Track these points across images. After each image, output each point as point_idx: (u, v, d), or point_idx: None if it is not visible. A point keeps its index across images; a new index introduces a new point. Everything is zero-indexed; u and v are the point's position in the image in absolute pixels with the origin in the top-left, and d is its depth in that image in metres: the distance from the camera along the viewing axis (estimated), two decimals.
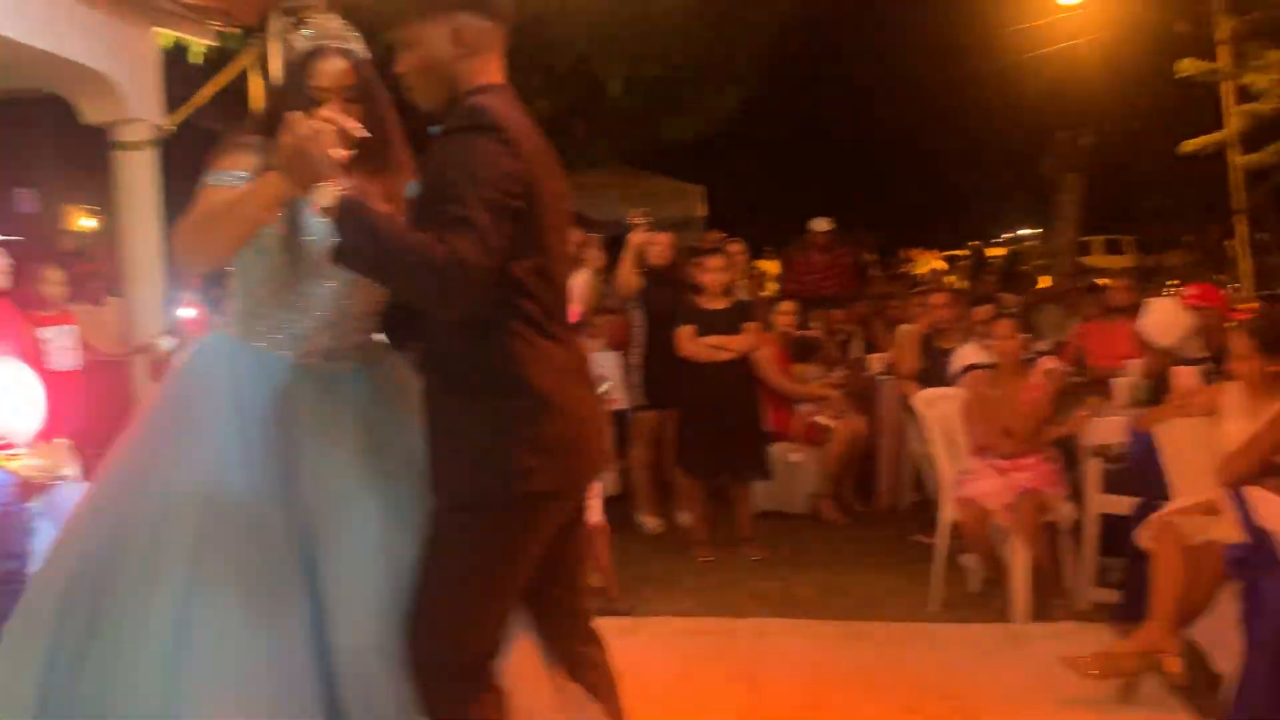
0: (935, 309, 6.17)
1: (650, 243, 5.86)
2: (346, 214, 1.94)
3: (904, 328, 6.64)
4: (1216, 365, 4.48)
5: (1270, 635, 2.91)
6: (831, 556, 5.54)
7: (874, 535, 5.94)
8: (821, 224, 8.39)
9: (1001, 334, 4.70)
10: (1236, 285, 15.96)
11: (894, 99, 21.98)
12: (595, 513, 4.41)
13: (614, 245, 6.40)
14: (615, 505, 5.96)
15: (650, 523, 5.84)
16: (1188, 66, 15.25)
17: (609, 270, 6.24)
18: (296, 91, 2.24)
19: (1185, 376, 4.05)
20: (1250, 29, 14.79)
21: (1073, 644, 3.80)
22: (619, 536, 5.78)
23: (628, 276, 5.87)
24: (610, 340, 6.04)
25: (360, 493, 2.15)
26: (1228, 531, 3.41)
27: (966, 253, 18.17)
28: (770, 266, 14.28)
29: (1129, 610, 3.99)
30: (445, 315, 2.02)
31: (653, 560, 5.33)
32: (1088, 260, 21.73)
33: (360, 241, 1.94)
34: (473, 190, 1.92)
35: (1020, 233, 29.83)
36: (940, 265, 18.21)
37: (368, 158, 2.25)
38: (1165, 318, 4.75)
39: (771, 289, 10.98)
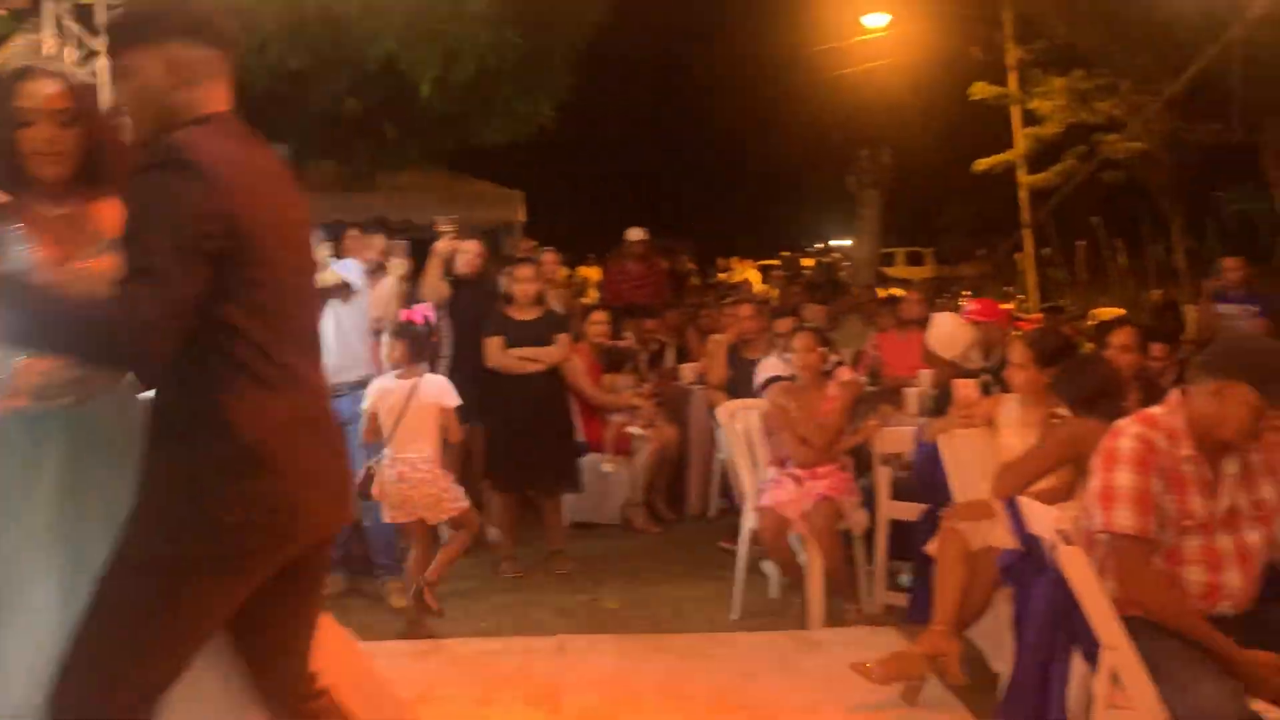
0: (741, 320, 6.29)
1: (457, 250, 5.73)
2: (2, 292, 1.82)
3: (715, 338, 6.75)
4: (996, 377, 4.73)
5: (1036, 638, 3.07)
6: (640, 567, 5.56)
7: (683, 543, 6.01)
8: (636, 233, 8.45)
9: (800, 347, 4.81)
10: (1023, 296, 17.12)
11: (716, 110, 22.52)
12: (461, 505, 4.49)
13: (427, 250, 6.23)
14: None
15: None
16: (980, 90, 16.30)
17: (416, 277, 6.07)
18: (2, 113, 2.12)
19: (964, 388, 4.25)
20: (1034, 58, 15.94)
21: (865, 648, 3.92)
22: None
23: (434, 285, 5.72)
24: None
25: (50, 548, 2.00)
26: (1004, 538, 3.59)
27: (779, 262, 18.75)
28: (593, 273, 14.33)
29: (917, 612, 4.15)
30: (138, 373, 1.91)
31: (458, 577, 5.20)
32: (891, 271, 22.84)
33: (23, 319, 1.81)
34: (158, 234, 1.79)
35: (833, 243, 31.12)
36: (755, 275, 18.68)
37: (86, 183, 2.14)
38: (948, 331, 4.99)
39: (594, 296, 11.00)
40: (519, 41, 8.41)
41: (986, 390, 4.54)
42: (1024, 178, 16.90)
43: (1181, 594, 2.78)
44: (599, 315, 6.53)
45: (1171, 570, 2.81)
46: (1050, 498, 3.62)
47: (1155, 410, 2.94)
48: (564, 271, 15.51)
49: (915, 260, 25.58)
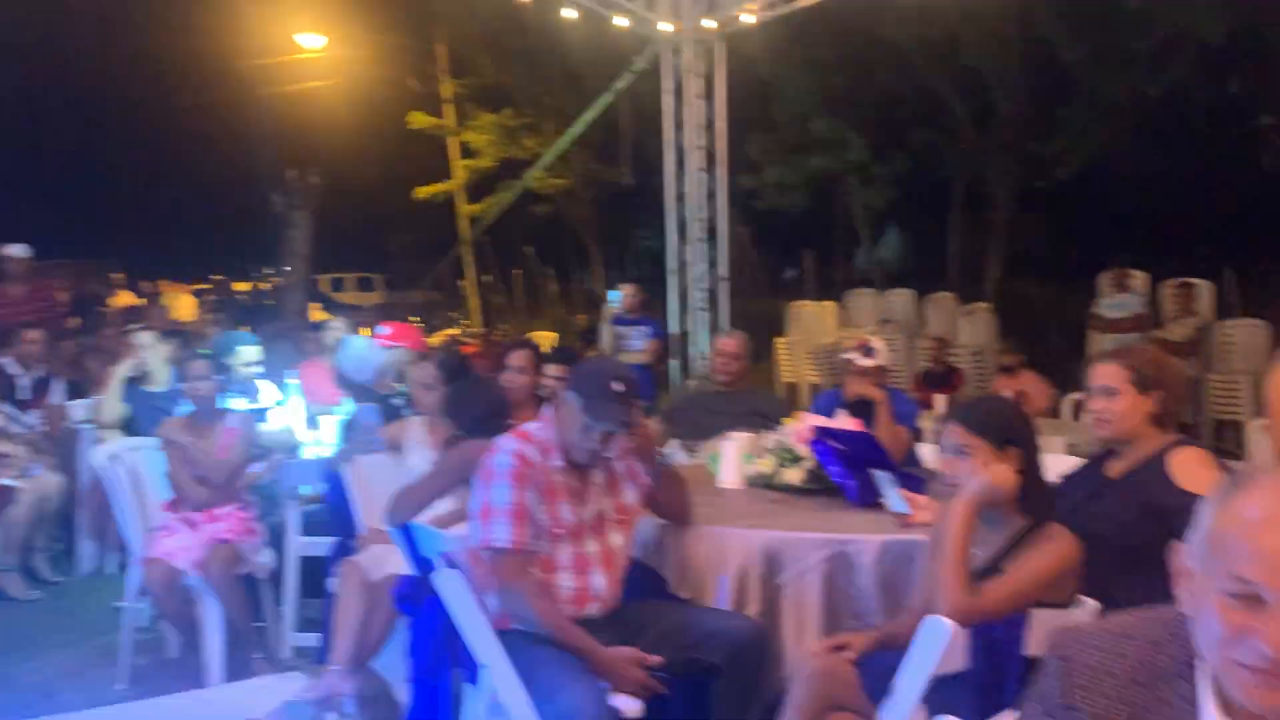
0: (139, 350, 5.67)
1: None
2: None
3: (115, 369, 5.99)
4: (408, 401, 4.70)
5: (424, 663, 3.02)
6: (11, 641, 4.70)
7: (70, 608, 5.22)
8: (15, 250, 7.27)
9: (193, 375, 4.39)
10: (467, 321, 17.79)
11: (143, 122, 20.52)
12: None
13: None
14: None
15: None
16: (418, 120, 16.69)
17: None
18: None
19: (368, 414, 4.16)
20: (468, 93, 16.69)
21: (267, 699, 3.61)
22: None
23: None
24: None
25: None
26: (402, 565, 3.52)
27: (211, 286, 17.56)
28: None
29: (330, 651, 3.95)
30: None
31: None
32: (342, 296, 22.53)
33: None
34: None
35: (287, 268, 29.86)
36: (190, 300, 17.32)
37: None
38: (359, 355, 4.88)
39: None
40: None
41: (396, 413, 4.48)
42: (463, 207, 17.60)
43: (554, 602, 2.88)
44: None
45: (546, 579, 2.91)
46: (454, 519, 3.63)
47: (530, 425, 3.05)
48: None
49: (365, 286, 25.52)
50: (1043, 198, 14.94)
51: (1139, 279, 10.27)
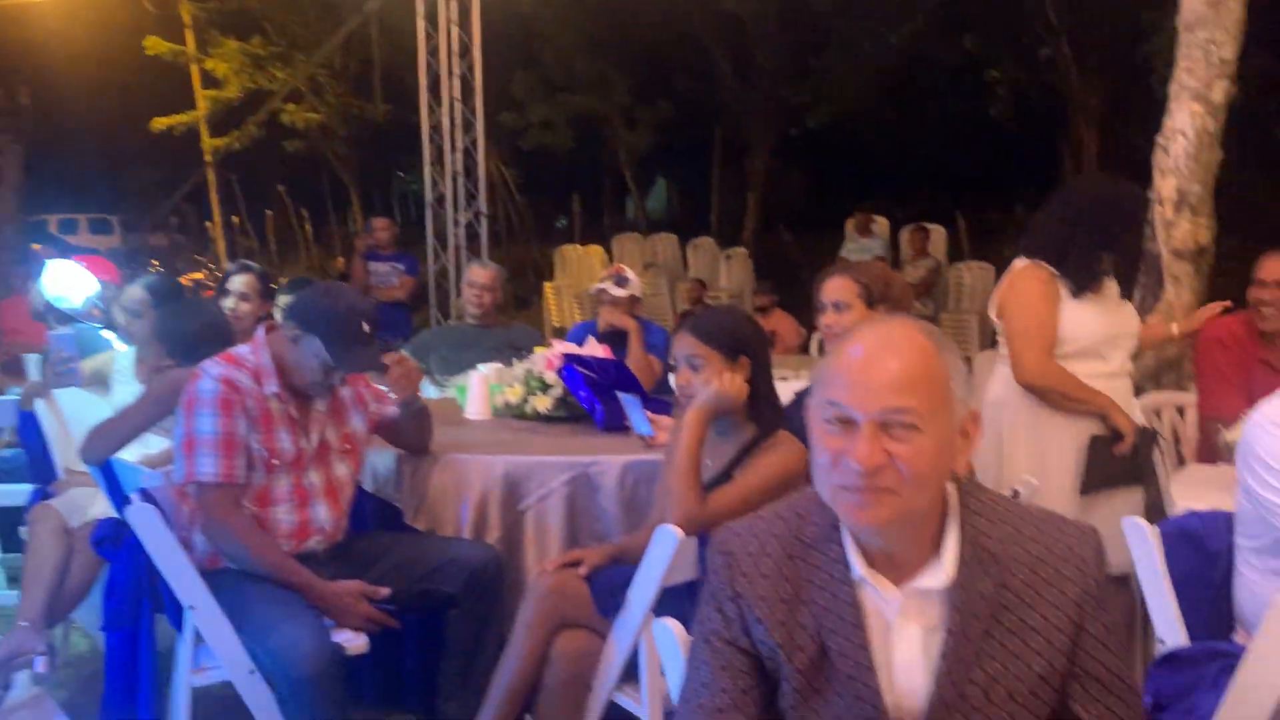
0: None
1: None
2: None
3: None
4: (115, 331, 4.27)
5: (119, 610, 2.72)
6: None
7: None
8: None
9: None
10: (213, 265, 16.64)
11: None
12: None
13: None
14: None
15: None
16: (155, 45, 15.26)
17: None
18: None
19: (64, 345, 3.73)
20: (208, 17, 15.41)
21: None
22: None
23: None
24: None
25: None
26: (105, 508, 3.18)
27: None
28: None
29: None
30: None
31: None
32: (75, 239, 20.58)
33: None
34: None
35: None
36: None
37: None
38: (59, 283, 4.39)
39: None
40: None
41: (101, 345, 4.06)
42: (207, 141, 16.33)
43: (267, 536, 2.66)
44: None
45: (261, 512, 2.68)
46: (169, 459, 3.31)
47: (240, 349, 2.78)
48: None
49: (101, 228, 23.41)
50: (797, 149, 15.51)
51: (881, 224, 10.82)
